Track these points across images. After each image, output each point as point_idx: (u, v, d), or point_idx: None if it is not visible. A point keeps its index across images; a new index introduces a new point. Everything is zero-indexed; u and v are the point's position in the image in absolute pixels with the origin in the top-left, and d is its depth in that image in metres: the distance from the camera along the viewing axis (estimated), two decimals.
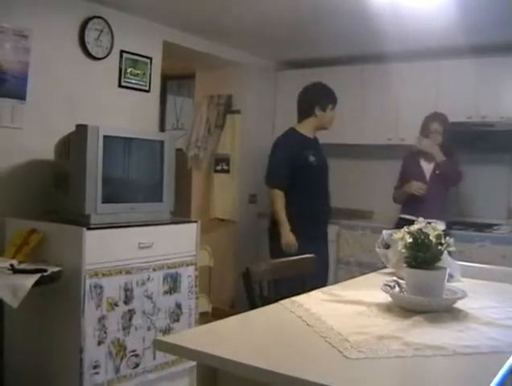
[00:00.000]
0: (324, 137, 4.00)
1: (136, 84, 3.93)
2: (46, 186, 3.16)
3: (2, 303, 2.60)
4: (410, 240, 1.89)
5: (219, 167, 5.15)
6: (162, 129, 6.05)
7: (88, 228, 2.79)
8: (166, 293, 3.16)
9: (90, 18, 3.56)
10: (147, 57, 4.00)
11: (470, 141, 4.22)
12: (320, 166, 3.80)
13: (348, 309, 1.88)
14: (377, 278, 2.33)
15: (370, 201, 5.03)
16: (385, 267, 2.55)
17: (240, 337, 1.63)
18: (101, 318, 2.82)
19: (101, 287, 2.81)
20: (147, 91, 4.02)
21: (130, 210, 3.09)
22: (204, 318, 3.84)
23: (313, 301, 1.96)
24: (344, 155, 5.08)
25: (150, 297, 3.06)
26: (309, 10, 3.68)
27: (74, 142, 2.97)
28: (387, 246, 2.45)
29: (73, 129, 2.98)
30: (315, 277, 2.46)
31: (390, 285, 1.97)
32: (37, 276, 2.59)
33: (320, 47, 4.69)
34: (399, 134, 4.56)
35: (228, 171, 5.11)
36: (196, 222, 3.44)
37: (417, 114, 4.10)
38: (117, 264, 2.89)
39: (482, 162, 4.38)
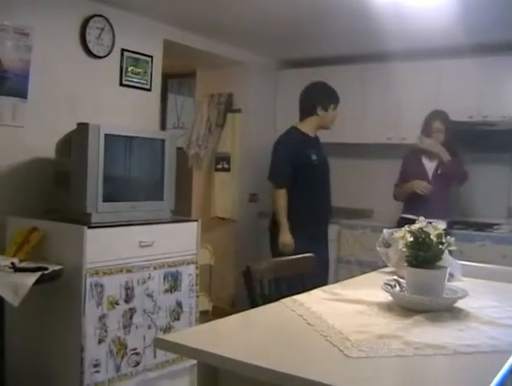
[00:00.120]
0: (324, 136, 4.00)
1: (137, 82, 3.93)
2: (47, 185, 3.16)
3: (2, 301, 2.60)
4: (411, 239, 1.89)
5: (219, 166, 5.15)
6: (163, 127, 6.05)
7: (89, 227, 2.79)
8: (166, 291, 3.16)
9: (91, 17, 3.56)
10: (148, 56, 4.00)
11: (471, 140, 4.21)
12: (321, 164, 3.81)
13: (348, 308, 1.88)
14: (377, 277, 2.33)
15: (370, 200, 5.03)
16: (385, 266, 2.55)
17: (240, 336, 1.63)
18: (102, 317, 2.82)
19: (101, 286, 2.81)
20: (148, 89, 4.02)
21: (131, 208, 3.09)
22: (205, 316, 3.84)
23: (314, 300, 1.96)
24: (345, 154, 5.08)
25: (150, 296, 3.06)
26: (310, 9, 3.68)
27: (75, 141, 2.97)
28: (388, 245, 2.45)
29: (74, 127, 2.98)
30: (315, 276, 2.46)
31: (390, 285, 1.98)
32: (38, 274, 2.59)
33: (321, 45, 4.68)
34: (400, 133, 4.56)
35: (228, 170, 5.11)
36: (196, 221, 3.44)
37: (418, 113, 4.09)
38: (117, 262, 2.90)
39: (483, 162, 4.38)
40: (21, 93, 3.19)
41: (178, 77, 6.21)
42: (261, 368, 1.31)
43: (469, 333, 1.61)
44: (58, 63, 3.41)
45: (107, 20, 3.65)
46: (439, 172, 3.93)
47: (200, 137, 5.18)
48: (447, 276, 1.88)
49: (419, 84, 4.48)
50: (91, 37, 3.57)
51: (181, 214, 3.61)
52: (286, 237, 3.66)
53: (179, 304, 3.23)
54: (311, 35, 4.35)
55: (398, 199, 4.12)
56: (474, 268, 2.56)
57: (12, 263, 2.68)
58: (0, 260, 2.71)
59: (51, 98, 3.37)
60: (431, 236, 1.87)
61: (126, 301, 2.94)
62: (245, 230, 5.08)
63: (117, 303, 2.89)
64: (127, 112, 3.81)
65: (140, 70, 3.95)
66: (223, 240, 5.03)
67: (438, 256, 1.88)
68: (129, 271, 2.95)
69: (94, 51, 3.61)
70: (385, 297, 1.94)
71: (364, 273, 2.79)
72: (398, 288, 1.96)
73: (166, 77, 5.19)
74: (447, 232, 1.93)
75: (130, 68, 3.87)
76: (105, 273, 2.83)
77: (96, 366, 2.79)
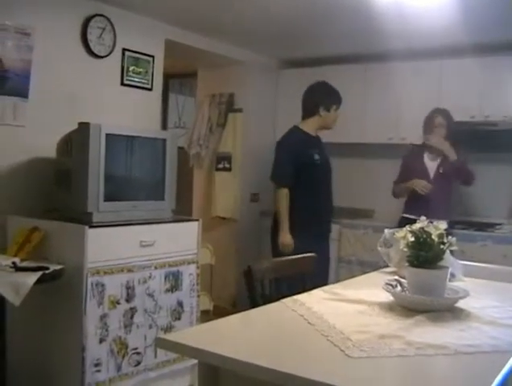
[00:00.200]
0: (325, 136, 4.00)
1: (138, 82, 3.93)
2: (48, 184, 3.16)
3: (3, 301, 2.60)
4: (412, 238, 1.89)
5: (220, 165, 5.15)
6: (164, 127, 6.06)
7: (90, 226, 2.79)
8: (167, 291, 3.16)
9: (92, 16, 3.56)
10: (149, 55, 4.00)
11: (473, 140, 4.21)
12: (323, 164, 3.81)
13: (349, 308, 1.88)
14: (378, 277, 2.33)
15: (372, 200, 5.02)
16: (386, 266, 2.55)
17: (241, 335, 1.63)
18: (103, 316, 2.82)
19: (102, 285, 2.81)
20: (149, 89, 4.02)
21: (132, 208, 3.09)
22: (206, 316, 3.84)
23: (315, 300, 1.96)
24: (346, 154, 5.07)
25: (151, 296, 3.07)
26: (311, 8, 3.68)
27: (76, 140, 2.97)
28: (389, 245, 2.45)
29: (75, 127, 2.98)
30: (316, 276, 2.46)
31: (391, 284, 1.97)
32: (39, 274, 2.59)
33: (322, 45, 4.68)
34: (400, 133, 4.56)
35: (229, 170, 5.10)
36: (197, 220, 3.44)
37: (419, 113, 4.08)
38: (118, 262, 2.90)
39: (484, 162, 4.37)
40: (22, 93, 3.19)
41: (179, 77, 6.21)
42: (262, 368, 1.31)
43: (470, 333, 1.61)
44: (59, 63, 3.41)
45: (108, 20, 3.66)
46: (441, 171, 3.92)
47: (201, 136, 5.18)
48: (448, 276, 1.88)
49: (420, 83, 4.47)
50: (92, 36, 3.57)
51: (182, 213, 3.61)
52: (286, 237, 3.66)
53: (180, 303, 3.23)
54: (312, 35, 4.35)
55: (397, 196, 4.13)
56: (475, 269, 2.56)
57: (13, 262, 2.68)
58: (1, 260, 2.71)
59: (52, 98, 3.37)
60: (433, 236, 1.87)
61: (127, 300, 2.94)
62: (246, 230, 5.07)
63: (118, 303, 2.89)
64: (128, 112, 3.81)
65: (141, 70, 3.95)
66: (224, 239, 5.03)
67: (439, 256, 1.87)
68: (130, 270, 2.95)
69: (95, 51, 3.61)
70: (386, 297, 1.94)
71: (365, 272, 2.79)
72: (399, 288, 1.96)
73: (167, 77, 5.18)
74: (448, 232, 1.93)
75: (131, 68, 3.87)
76: (106, 273, 2.83)
77: (97, 365, 2.79)
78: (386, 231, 2.49)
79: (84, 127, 2.91)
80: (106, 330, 2.83)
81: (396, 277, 2.07)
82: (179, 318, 3.23)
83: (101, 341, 2.81)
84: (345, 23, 3.91)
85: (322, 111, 3.79)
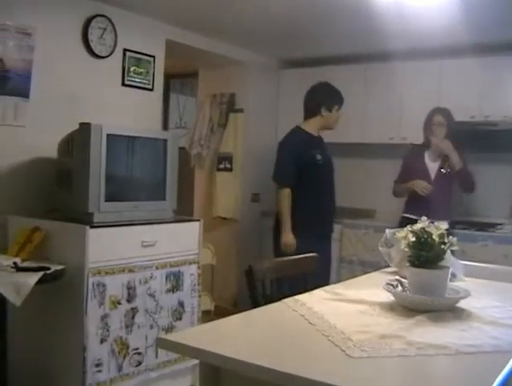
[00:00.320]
0: (326, 136, 4.00)
1: (139, 82, 3.93)
2: (49, 185, 3.17)
3: (5, 301, 2.60)
4: (414, 239, 1.89)
5: (222, 166, 5.15)
6: (165, 127, 6.06)
7: (92, 226, 2.79)
8: (168, 291, 3.16)
9: (93, 17, 3.56)
10: (150, 56, 4.00)
11: (473, 140, 4.21)
12: (325, 164, 3.81)
13: (350, 308, 1.88)
14: (379, 277, 2.33)
15: (373, 200, 5.02)
16: (387, 266, 2.55)
17: (242, 335, 1.63)
18: (104, 317, 2.82)
19: (103, 285, 2.81)
20: (150, 89, 4.02)
21: (133, 208, 3.09)
22: (207, 316, 3.85)
23: (316, 300, 1.96)
24: (347, 154, 5.07)
25: (152, 296, 3.07)
26: (311, 8, 3.68)
27: (77, 140, 2.98)
28: (390, 245, 2.45)
29: (76, 127, 2.99)
30: (317, 276, 2.46)
31: (392, 284, 1.97)
32: (40, 274, 2.59)
33: (324, 45, 4.68)
34: (401, 133, 4.56)
35: (231, 170, 5.11)
36: (198, 220, 3.44)
37: (419, 113, 4.07)
38: (120, 262, 2.90)
39: (485, 162, 4.37)
40: (23, 93, 3.20)
41: (180, 77, 6.21)
42: (263, 368, 1.31)
43: (471, 333, 1.61)
44: (60, 63, 3.42)
45: (109, 20, 3.66)
46: (442, 172, 3.90)
47: (202, 136, 5.18)
48: (449, 276, 1.88)
49: (420, 83, 4.48)
50: (93, 37, 3.57)
51: (183, 214, 3.61)
52: (288, 237, 3.67)
53: (181, 304, 3.24)
54: (313, 35, 4.35)
55: (397, 195, 4.12)
56: (476, 268, 2.56)
57: (14, 263, 2.68)
58: (2, 260, 2.71)
59: (53, 98, 3.37)
60: (434, 236, 1.87)
61: (128, 300, 2.94)
62: (247, 230, 5.08)
63: (119, 303, 2.89)
64: (129, 112, 3.81)
65: (142, 70, 3.95)
66: (225, 239, 5.03)
67: (440, 256, 1.87)
68: (131, 271, 2.95)
69: (96, 51, 3.61)
70: (387, 297, 1.94)
71: (366, 272, 2.79)
72: (400, 288, 1.96)
73: (168, 77, 5.19)
74: (449, 232, 1.93)
75: (132, 68, 3.87)
76: (107, 273, 2.83)
77: (98, 365, 2.79)
78: (387, 231, 2.49)
79: (85, 127, 2.91)
80: (107, 331, 2.83)
81: (397, 277, 2.07)
82: (180, 319, 3.23)
83: (102, 341, 2.81)
84: (345, 23, 3.91)
85: (324, 111, 3.79)
